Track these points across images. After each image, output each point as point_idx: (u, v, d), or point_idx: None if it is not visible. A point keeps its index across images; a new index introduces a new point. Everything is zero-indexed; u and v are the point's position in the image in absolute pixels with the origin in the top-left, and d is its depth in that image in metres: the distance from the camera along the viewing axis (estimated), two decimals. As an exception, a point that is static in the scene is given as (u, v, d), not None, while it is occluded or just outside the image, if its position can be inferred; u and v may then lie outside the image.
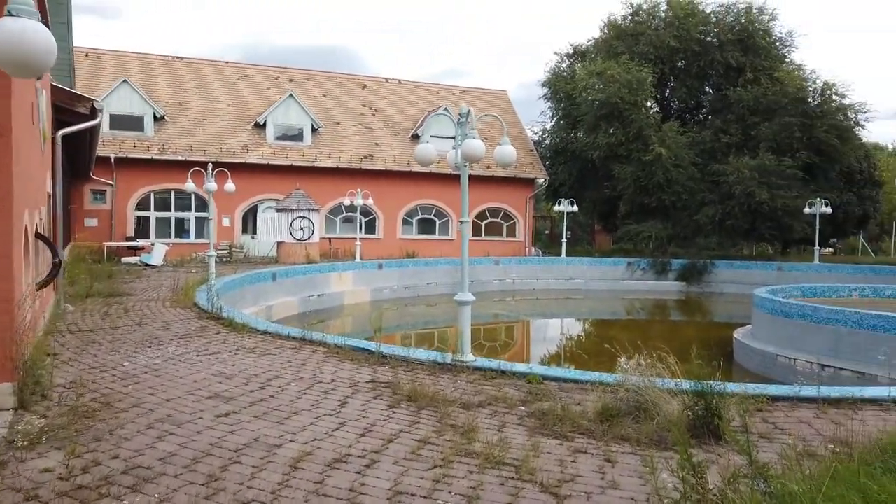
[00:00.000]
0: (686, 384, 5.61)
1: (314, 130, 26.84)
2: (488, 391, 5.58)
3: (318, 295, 19.62)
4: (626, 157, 27.18)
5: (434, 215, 28.88)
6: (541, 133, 33.12)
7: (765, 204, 24.76)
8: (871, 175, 30.93)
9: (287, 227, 21.83)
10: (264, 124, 25.92)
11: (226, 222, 25.25)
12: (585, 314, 23.70)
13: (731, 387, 5.35)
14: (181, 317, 9.61)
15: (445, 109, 28.62)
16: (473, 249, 28.65)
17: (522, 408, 5.15)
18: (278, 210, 22.33)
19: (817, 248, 25.63)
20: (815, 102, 26.45)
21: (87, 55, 25.98)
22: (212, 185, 13.51)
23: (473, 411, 5.00)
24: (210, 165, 13.91)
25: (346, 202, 23.33)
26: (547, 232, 46.81)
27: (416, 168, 27.42)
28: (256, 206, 25.51)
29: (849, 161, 27.68)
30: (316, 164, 25.86)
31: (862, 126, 26.82)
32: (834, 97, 26.32)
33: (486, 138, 30.14)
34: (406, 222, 28.58)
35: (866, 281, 23.52)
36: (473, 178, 29.39)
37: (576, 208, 27.73)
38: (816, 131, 25.78)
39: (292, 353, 6.95)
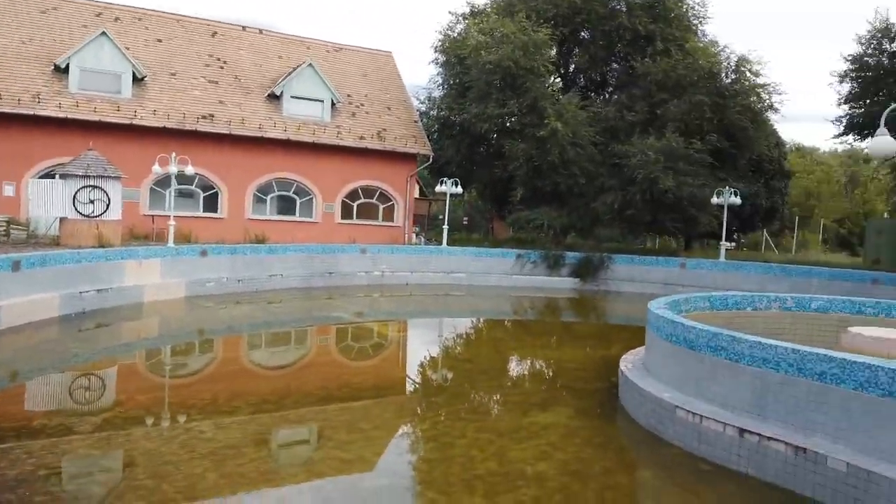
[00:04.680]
0: None
1: (137, 80, 21.45)
2: None
3: (98, 290, 14.61)
4: (520, 133, 23.40)
5: (294, 192, 24.14)
6: (427, 103, 28.83)
7: (669, 192, 21.61)
8: (780, 165, 28.69)
9: (71, 199, 16.56)
10: (66, 68, 20.31)
11: (8, 191, 19.61)
12: (466, 313, 19.77)
13: None
14: None
15: (311, 65, 23.94)
16: (338, 235, 24.23)
17: None
18: (60, 176, 16.98)
19: (723, 243, 22.84)
20: (729, 80, 23.55)
21: None
22: None
23: None
24: None
25: (159, 170, 18.17)
26: (441, 217, 42.93)
27: (272, 133, 22.70)
28: (54, 172, 19.95)
29: (760, 148, 25.08)
30: (135, 122, 20.54)
31: (776, 109, 24.19)
32: (748, 74, 23.49)
33: (361, 104, 25.59)
34: (259, 200, 23.71)
35: (777, 283, 20.85)
36: (342, 150, 24.99)
37: (460, 189, 23.73)
38: (728, 112, 22.89)
39: None
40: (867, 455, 5.97)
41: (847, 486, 5.87)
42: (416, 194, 33.25)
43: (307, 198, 24.34)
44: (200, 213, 22.36)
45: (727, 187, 21.97)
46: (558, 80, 28.07)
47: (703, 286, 22.06)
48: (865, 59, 18.34)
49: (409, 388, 10.28)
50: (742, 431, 6.75)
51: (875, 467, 5.75)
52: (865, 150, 24.63)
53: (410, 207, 26.07)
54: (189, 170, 18.16)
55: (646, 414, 8.09)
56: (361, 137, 24.51)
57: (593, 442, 7.51)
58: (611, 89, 27.74)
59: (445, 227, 24.00)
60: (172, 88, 22.14)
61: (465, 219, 44.20)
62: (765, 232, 37.62)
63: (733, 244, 43.55)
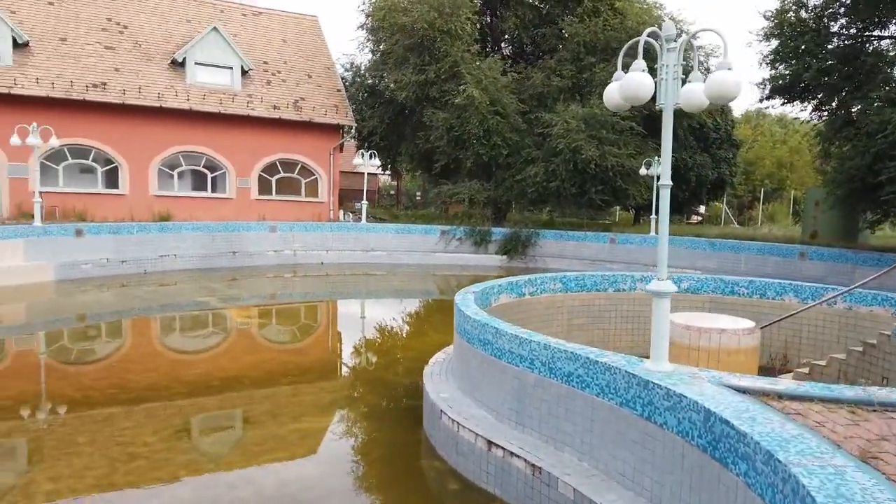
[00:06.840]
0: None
1: (19, 46, 19.91)
2: None
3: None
4: (439, 101, 21.97)
5: (205, 167, 22.76)
6: (352, 70, 27.20)
7: (593, 162, 20.26)
8: (728, 134, 27.29)
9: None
10: (-65, 33, 18.81)
11: None
12: (380, 294, 18.56)
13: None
14: None
15: (216, 29, 22.41)
16: (255, 212, 22.98)
17: None
18: None
19: (654, 216, 21.53)
20: (661, 41, 22.01)
21: None
22: None
23: None
24: None
25: (17, 142, 16.67)
26: (392, 193, 41.46)
27: (172, 103, 21.26)
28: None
29: (699, 116, 23.68)
30: (13, 92, 19.05)
31: (709, 70, 22.70)
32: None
33: (279, 72, 24.11)
34: (167, 175, 22.33)
35: (706, 259, 19.68)
36: (255, 122, 23.54)
37: (377, 161, 22.33)
38: (660, 76, 21.39)
39: None
40: (608, 477, 4.82)
41: (574, 517, 4.72)
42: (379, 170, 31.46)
43: (220, 172, 22.96)
44: (100, 190, 20.99)
45: (657, 157, 20.64)
46: (489, 47, 26.49)
47: (632, 262, 20.91)
48: (786, 13, 16.80)
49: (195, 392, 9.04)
50: (490, 444, 5.58)
51: (601, 497, 4.58)
52: (794, 116, 23.24)
53: (336, 182, 24.67)
54: (54, 142, 16.73)
55: (425, 419, 6.93)
56: (275, 107, 23.04)
57: (339, 454, 6.33)
58: (541, 51, 26.10)
59: (364, 202, 22.67)
60: (60, 55, 20.60)
61: (419, 195, 42.86)
62: (724, 204, 36.35)
63: (698, 218, 42.35)
